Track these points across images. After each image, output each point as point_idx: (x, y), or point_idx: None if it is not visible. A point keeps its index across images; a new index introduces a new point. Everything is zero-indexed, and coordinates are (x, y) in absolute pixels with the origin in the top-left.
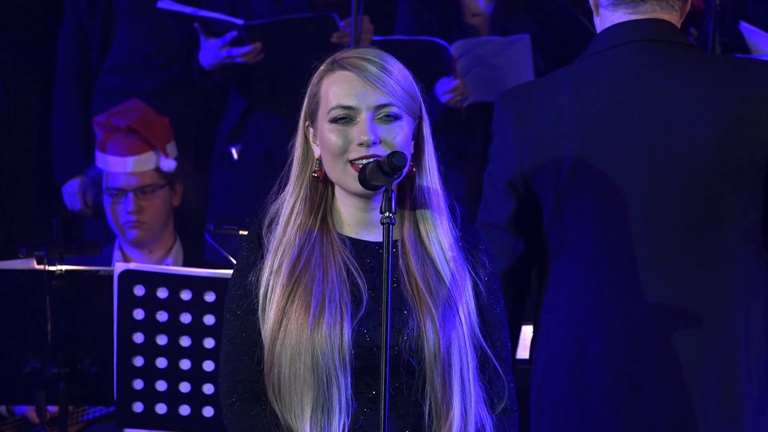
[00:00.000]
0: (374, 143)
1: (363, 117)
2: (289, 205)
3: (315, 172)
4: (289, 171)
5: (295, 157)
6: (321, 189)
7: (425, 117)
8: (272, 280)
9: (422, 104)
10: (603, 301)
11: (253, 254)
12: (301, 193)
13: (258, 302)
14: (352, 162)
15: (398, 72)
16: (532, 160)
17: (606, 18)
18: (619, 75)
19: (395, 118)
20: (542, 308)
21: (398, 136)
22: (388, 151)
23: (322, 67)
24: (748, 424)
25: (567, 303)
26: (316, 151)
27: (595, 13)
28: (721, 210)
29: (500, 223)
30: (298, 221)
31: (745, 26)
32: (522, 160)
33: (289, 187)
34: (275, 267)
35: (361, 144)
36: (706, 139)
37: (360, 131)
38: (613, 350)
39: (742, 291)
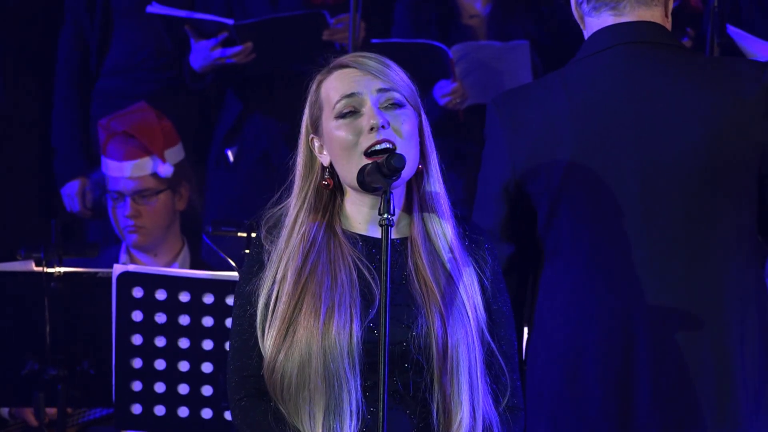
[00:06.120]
0: (383, 126)
1: (368, 104)
2: (292, 215)
3: (325, 180)
4: (292, 184)
5: (297, 171)
6: (326, 196)
7: (424, 116)
8: (276, 289)
9: (420, 104)
10: (598, 304)
11: (258, 258)
12: (305, 204)
13: (258, 311)
14: (367, 153)
15: (396, 67)
16: (525, 165)
17: (592, 25)
18: (609, 78)
19: (399, 105)
20: (536, 311)
21: (405, 124)
22: (399, 139)
23: (318, 76)
24: (744, 424)
25: (562, 306)
26: (324, 160)
27: (582, 27)
28: (715, 210)
29: (492, 227)
30: (302, 230)
31: (732, 30)
32: (515, 165)
33: (292, 199)
34: (279, 277)
35: (371, 129)
36: (698, 140)
37: (368, 116)
38: (609, 352)
39: (736, 291)
